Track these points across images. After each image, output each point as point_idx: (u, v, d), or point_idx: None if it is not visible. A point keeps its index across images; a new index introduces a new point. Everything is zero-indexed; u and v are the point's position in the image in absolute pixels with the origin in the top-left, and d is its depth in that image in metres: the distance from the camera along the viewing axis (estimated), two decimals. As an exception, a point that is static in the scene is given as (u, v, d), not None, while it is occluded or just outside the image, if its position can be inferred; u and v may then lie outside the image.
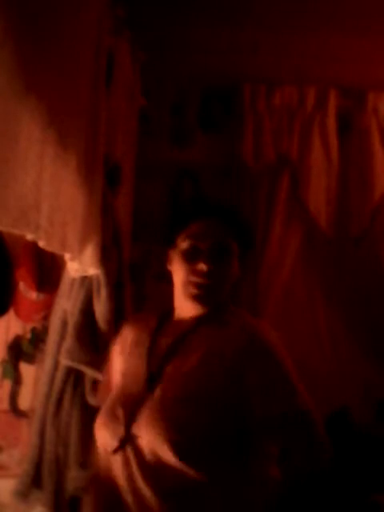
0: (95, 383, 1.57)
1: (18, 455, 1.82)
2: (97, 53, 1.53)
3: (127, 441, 1.11)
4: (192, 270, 1.18)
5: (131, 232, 2.16)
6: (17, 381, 2.03)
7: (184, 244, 1.21)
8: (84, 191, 1.46)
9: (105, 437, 1.17)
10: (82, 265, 1.53)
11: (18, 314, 2.02)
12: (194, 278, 1.18)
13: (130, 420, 1.12)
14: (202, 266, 1.16)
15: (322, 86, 2.47)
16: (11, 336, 2.06)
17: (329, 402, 2.24)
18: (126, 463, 1.11)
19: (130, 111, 2.06)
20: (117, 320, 1.63)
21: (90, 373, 1.57)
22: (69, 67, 1.32)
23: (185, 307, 1.23)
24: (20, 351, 2.04)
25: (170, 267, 1.26)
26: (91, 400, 1.57)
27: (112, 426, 1.15)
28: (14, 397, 2.02)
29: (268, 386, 1.11)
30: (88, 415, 1.56)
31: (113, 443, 1.13)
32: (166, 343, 1.22)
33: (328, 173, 2.48)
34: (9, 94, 1.04)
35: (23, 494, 1.60)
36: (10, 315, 1.99)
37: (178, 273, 1.21)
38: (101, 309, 1.60)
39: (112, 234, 1.69)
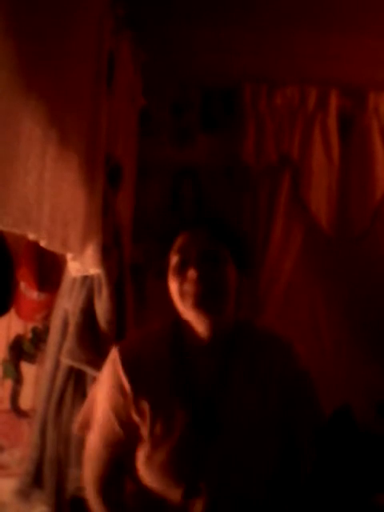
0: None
1: (19, 455, 1.82)
2: (98, 52, 1.53)
3: (194, 493, 1.13)
4: (184, 280, 1.19)
5: (132, 232, 2.16)
6: (18, 380, 2.03)
7: (174, 259, 1.22)
8: (85, 191, 1.46)
9: (163, 486, 1.16)
10: (83, 264, 1.54)
11: (18, 313, 2.02)
12: (187, 287, 1.18)
13: (194, 471, 1.14)
14: (192, 273, 1.17)
15: (323, 85, 2.46)
16: (12, 336, 2.06)
17: (330, 403, 2.23)
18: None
19: (131, 111, 2.06)
20: (118, 320, 1.63)
21: (91, 372, 1.57)
22: (70, 67, 1.32)
23: (192, 321, 1.22)
24: (21, 351, 2.04)
25: (169, 284, 1.25)
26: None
27: (172, 471, 1.15)
28: (15, 396, 2.03)
29: (302, 404, 1.26)
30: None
31: (174, 494, 1.14)
32: (199, 370, 1.21)
33: (329, 173, 2.48)
34: (10, 94, 1.04)
35: (24, 494, 1.60)
36: (11, 315, 1.99)
37: (173, 286, 1.22)
38: (102, 308, 1.60)
39: (113, 233, 1.69)
